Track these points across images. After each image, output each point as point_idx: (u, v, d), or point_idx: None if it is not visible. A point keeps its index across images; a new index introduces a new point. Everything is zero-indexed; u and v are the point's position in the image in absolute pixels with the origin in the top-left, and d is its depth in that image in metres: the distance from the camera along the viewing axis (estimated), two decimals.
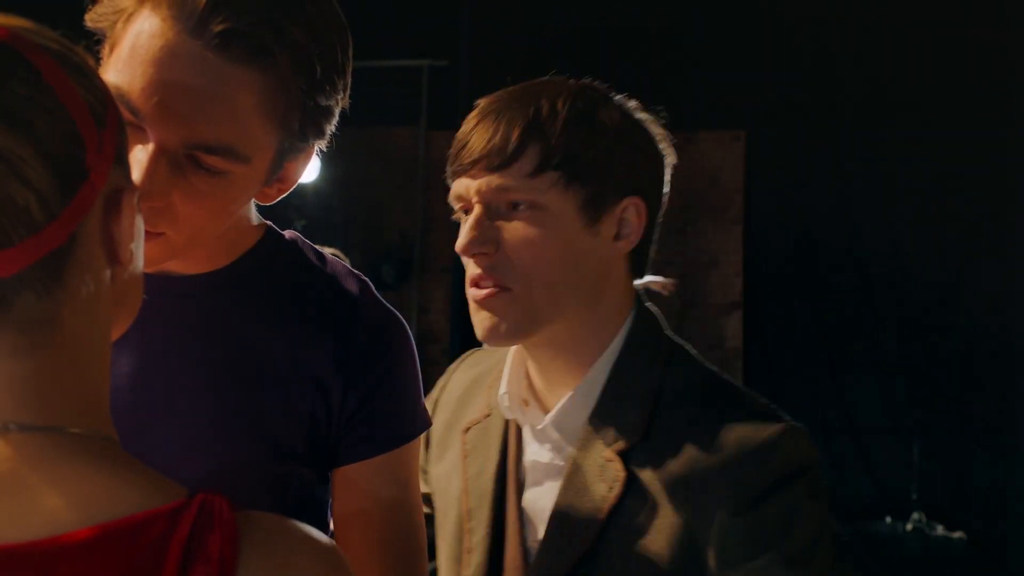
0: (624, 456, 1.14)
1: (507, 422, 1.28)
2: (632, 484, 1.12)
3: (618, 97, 1.27)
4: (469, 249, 1.19)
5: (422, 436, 1.19)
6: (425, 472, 1.39)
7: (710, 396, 1.19)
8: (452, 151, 1.24)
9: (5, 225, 0.67)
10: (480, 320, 1.20)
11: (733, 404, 1.19)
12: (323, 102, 1.05)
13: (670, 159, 1.28)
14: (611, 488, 1.13)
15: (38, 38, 0.70)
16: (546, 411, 1.23)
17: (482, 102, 1.27)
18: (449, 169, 1.26)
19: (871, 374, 7.08)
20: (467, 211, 1.22)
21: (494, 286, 1.18)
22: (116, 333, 0.80)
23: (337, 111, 1.12)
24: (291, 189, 1.16)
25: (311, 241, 1.29)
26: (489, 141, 1.19)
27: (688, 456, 1.12)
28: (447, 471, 1.33)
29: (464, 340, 5.42)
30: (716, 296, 7.58)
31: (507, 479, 1.24)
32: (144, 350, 1.09)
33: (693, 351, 1.27)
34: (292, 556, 0.66)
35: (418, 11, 7.42)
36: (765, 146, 7.34)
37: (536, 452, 1.24)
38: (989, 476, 6.70)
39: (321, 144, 1.12)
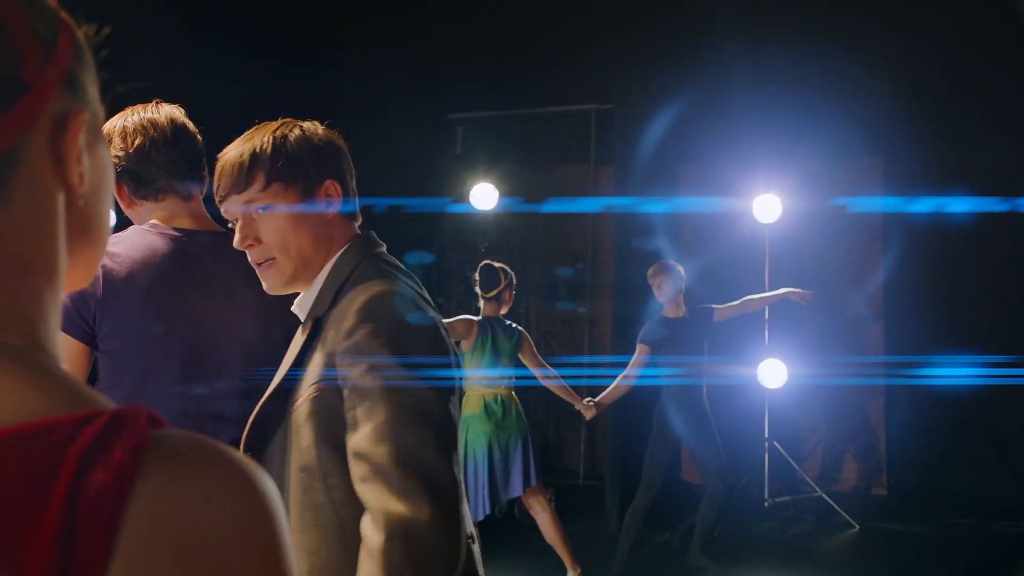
0: (315, 320, 1.72)
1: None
2: (315, 333, 1.71)
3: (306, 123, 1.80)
4: (241, 244, 1.74)
5: None
6: None
7: (362, 281, 1.69)
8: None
9: None
10: (264, 280, 1.78)
11: (374, 283, 1.67)
12: None
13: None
14: (304, 335, 1.74)
15: None
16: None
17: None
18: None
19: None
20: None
21: (267, 260, 1.74)
22: (82, 269, 0.78)
23: None
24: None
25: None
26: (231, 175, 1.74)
27: (338, 311, 1.66)
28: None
29: (625, 348, 5.95)
30: (860, 307, 7.85)
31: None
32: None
33: (388, 266, 1.76)
34: (200, 475, 0.61)
35: (586, 62, 7.98)
36: None
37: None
38: None
39: None
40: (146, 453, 0.60)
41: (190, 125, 2.26)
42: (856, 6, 7.40)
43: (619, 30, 7.79)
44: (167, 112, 2.23)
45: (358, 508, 1.55)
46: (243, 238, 1.74)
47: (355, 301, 1.62)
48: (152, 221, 2.22)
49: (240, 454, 0.66)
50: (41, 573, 0.56)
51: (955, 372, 6.63)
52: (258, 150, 1.72)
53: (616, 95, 8.02)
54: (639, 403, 5.98)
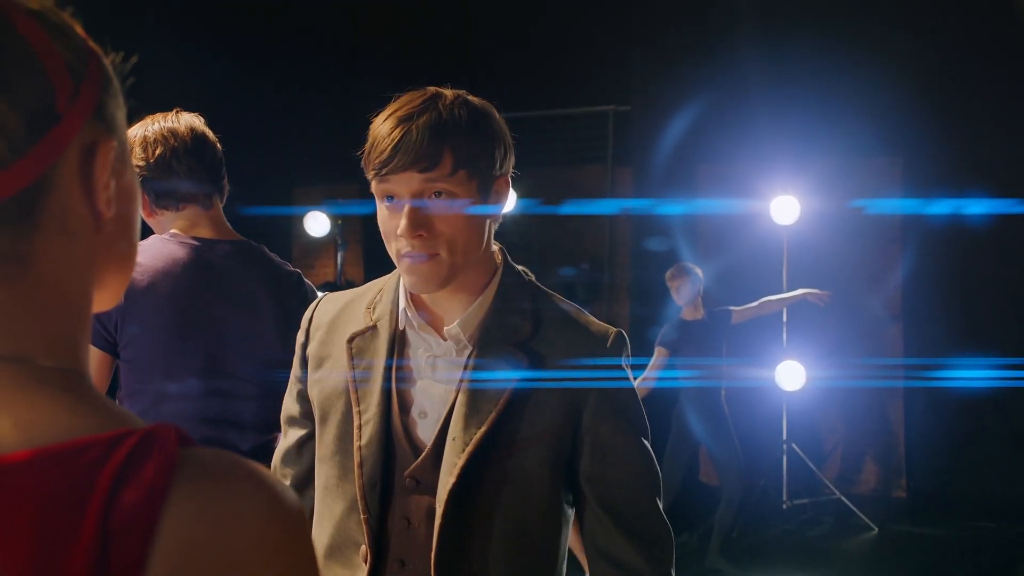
0: (519, 346, 1.50)
1: (394, 331, 1.55)
2: (531, 364, 1.49)
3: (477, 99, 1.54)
4: (410, 234, 1.43)
5: (299, 354, 1.62)
6: (301, 381, 1.64)
7: (570, 312, 1.58)
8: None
9: None
10: (412, 274, 1.47)
11: (585, 315, 1.60)
12: None
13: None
14: (516, 367, 1.47)
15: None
16: (434, 324, 1.54)
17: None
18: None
19: None
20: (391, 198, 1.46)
21: (428, 255, 1.44)
22: (111, 291, 0.79)
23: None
24: None
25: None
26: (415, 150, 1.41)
27: (564, 344, 1.52)
28: (325, 374, 1.59)
29: (642, 351, 5.92)
30: (878, 308, 7.80)
31: (392, 371, 1.53)
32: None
33: (547, 289, 1.64)
34: (228, 493, 0.62)
35: (604, 63, 7.96)
36: None
37: (431, 351, 1.53)
38: None
39: None
40: (176, 471, 0.62)
41: (210, 134, 2.25)
42: (873, 6, 7.35)
43: (637, 31, 7.77)
44: (187, 121, 2.22)
45: (560, 552, 1.56)
46: (413, 226, 1.41)
47: (603, 336, 1.55)
48: (172, 230, 2.22)
49: (267, 470, 0.66)
50: None
51: (974, 374, 6.58)
52: (450, 125, 1.42)
53: (634, 96, 7.97)
54: (657, 406, 5.93)
